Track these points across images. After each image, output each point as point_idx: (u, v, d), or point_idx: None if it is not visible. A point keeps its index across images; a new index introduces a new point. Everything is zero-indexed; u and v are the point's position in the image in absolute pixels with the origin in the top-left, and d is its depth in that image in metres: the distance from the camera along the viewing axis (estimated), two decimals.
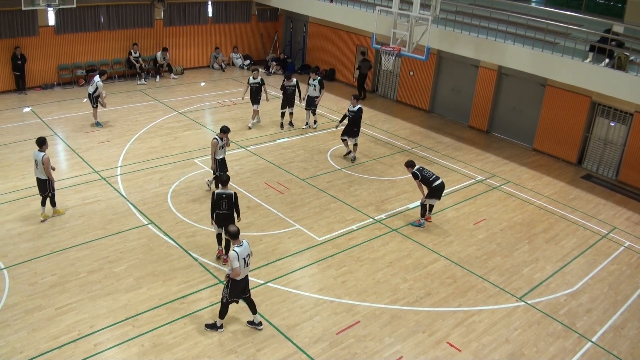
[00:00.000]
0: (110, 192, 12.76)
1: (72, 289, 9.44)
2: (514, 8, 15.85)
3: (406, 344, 8.77)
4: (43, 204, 11.40)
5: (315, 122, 17.59)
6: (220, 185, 10.13)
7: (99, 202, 12.26)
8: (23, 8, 16.96)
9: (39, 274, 9.75)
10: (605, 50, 13.36)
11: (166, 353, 8.22)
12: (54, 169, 11.50)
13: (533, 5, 17.51)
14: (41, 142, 11.11)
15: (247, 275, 8.51)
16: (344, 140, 15.34)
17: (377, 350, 8.60)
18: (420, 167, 12.12)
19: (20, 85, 18.83)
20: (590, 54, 13.59)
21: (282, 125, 17.36)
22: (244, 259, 8.24)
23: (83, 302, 9.15)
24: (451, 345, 8.84)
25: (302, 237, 11.53)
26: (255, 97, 16.83)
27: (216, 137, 12.25)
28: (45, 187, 11.24)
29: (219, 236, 10.49)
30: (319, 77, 17.01)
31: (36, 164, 11.12)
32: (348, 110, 14.96)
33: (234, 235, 8.29)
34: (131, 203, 12.32)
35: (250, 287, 8.73)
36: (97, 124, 16.50)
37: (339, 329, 8.96)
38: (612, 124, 15.57)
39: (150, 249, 10.72)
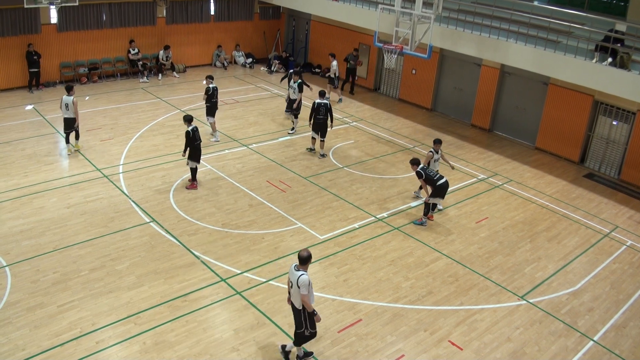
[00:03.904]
0: (113, 189, 12.77)
1: (74, 286, 9.45)
2: (517, 6, 15.82)
3: (408, 342, 8.78)
4: (67, 141, 14.16)
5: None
6: (189, 124, 12.53)
7: (101, 200, 12.28)
8: (25, 6, 16.94)
9: (41, 272, 9.77)
10: (608, 48, 13.33)
11: (168, 351, 8.23)
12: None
13: (536, 3, 17.44)
14: (70, 88, 13.75)
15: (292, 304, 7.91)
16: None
17: (379, 348, 8.60)
18: (424, 166, 12.11)
19: (34, 82, 18.81)
20: (597, 54, 13.56)
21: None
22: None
23: (85, 299, 9.16)
24: (453, 343, 8.83)
25: (304, 235, 11.53)
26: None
27: (432, 150, 12.78)
28: (71, 125, 13.91)
29: (194, 170, 12.84)
30: (299, 80, 16.65)
31: (66, 107, 13.66)
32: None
33: (304, 261, 7.58)
34: (133, 201, 12.33)
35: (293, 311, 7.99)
36: (340, 101, 20.07)
37: (340, 327, 8.96)
38: (615, 123, 15.53)
39: (152, 246, 10.73)
